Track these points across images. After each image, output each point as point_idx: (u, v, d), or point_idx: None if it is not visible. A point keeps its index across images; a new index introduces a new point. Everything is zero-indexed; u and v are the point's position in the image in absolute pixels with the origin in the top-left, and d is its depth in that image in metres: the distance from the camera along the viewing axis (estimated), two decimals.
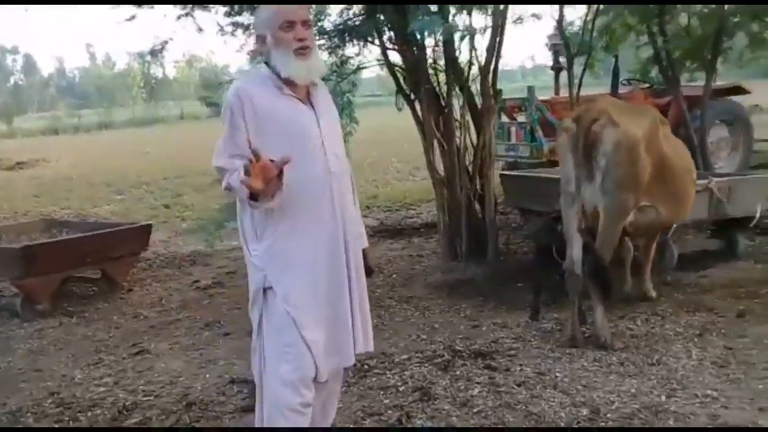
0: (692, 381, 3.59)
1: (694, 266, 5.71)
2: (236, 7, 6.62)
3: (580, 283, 4.16)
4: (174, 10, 6.80)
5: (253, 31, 6.76)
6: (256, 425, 2.74)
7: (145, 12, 6.91)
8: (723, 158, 9.31)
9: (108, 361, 4.46)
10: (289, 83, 2.55)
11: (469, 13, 6.19)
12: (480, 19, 6.36)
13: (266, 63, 2.61)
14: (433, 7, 5.63)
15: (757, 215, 5.82)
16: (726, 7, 7.96)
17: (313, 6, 6.00)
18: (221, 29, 7.07)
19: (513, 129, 8.96)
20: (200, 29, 7.01)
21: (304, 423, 2.58)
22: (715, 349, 3.98)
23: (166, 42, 7.05)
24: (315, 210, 2.56)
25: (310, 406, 2.59)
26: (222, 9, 6.75)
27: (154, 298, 5.88)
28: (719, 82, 9.27)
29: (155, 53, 7.20)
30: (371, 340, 2.76)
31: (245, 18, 6.86)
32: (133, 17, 7.13)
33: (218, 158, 2.53)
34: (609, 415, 3.27)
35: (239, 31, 6.99)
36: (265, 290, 2.55)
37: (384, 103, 9.71)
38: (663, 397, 3.42)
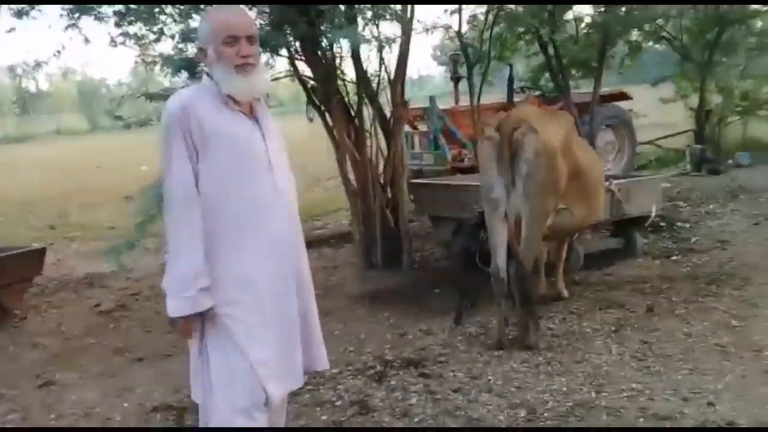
0: (616, 376, 3.73)
1: (598, 265, 5.98)
2: (127, 17, 6.33)
3: (505, 287, 4.23)
4: (60, 20, 6.45)
5: (147, 42, 6.54)
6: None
7: (24, 23, 6.51)
8: (610, 161, 9.84)
9: (10, 395, 4.10)
10: (232, 97, 2.41)
11: (377, 24, 6.21)
12: (388, 29, 6.39)
13: (207, 75, 2.46)
14: (343, 18, 5.59)
15: (653, 214, 6.19)
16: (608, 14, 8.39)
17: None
18: (112, 41, 6.78)
19: (416, 138, 9.09)
20: (87, 40, 6.68)
21: None
22: (632, 343, 4.16)
23: (59, 51, 6.64)
24: (262, 229, 2.43)
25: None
26: (112, 19, 6.45)
27: (52, 326, 5.47)
28: (604, 89, 9.78)
29: (39, 65, 6.77)
30: (325, 358, 2.70)
31: (137, 28, 6.59)
32: (12, 29, 6.69)
33: (181, 209, 2.34)
34: (545, 414, 3.35)
35: (130, 42, 6.73)
36: (207, 312, 2.38)
37: (288, 113, 9.53)
38: (593, 394, 3.54)
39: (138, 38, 6.63)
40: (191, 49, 5.89)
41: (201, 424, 2.55)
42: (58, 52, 6.66)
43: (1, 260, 5.42)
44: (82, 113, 50.95)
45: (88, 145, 30.41)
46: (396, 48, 6.24)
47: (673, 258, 6.06)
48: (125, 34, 6.76)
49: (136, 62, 7.00)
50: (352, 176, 6.41)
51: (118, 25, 6.54)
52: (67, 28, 6.43)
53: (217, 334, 2.38)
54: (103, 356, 4.70)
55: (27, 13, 6.15)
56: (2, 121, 43.09)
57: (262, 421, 2.42)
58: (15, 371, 4.51)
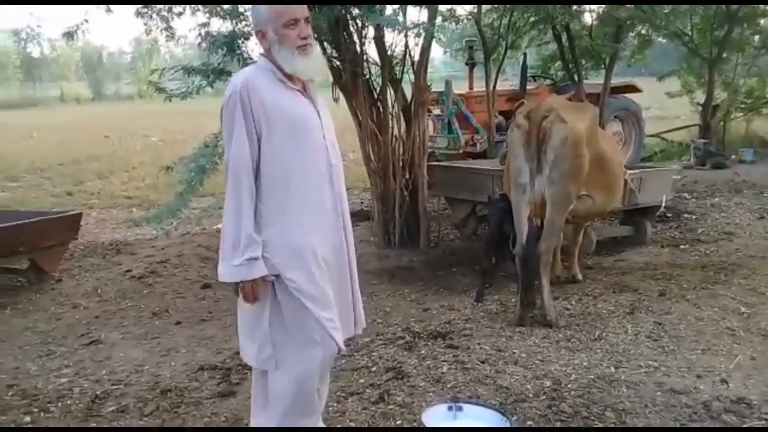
0: (633, 353, 3.98)
1: (610, 251, 6.25)
2: None
3: (528, 267, 4.48)
4: None
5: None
6: (256, 411, 2.77)
7: None
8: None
9: (60, 352, 4.33)
10: (290, 77, 2.58)
11: (404, 13, 6.38)
12: (414, 14, 6.55)
13: (263, 56, 2.62)
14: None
15: (663, 204, 6.45)
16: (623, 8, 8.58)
17: None
18: (138, 12, 6.94)
19: (430, 121, 9.28)
20: (109, 9, 6.84)
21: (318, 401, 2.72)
22: (647, 324, 4.42)
23: (86, 20, 6.79)
24: (319, 201, 2.61)
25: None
26: None
27: (88, 288, 5.70)
28: (614, 81, 9.98)
29: (70, 35, 6.90)
30: (363, 317, 2.90)
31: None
32: None
33: (237, 181, 2.49)
34: (569, 386, 3.58)
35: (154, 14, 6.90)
36: (271, 278, 2.55)
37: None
38: (612, 369, 3.79)
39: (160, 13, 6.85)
40: (216, 26, 6.09)
41: (257, 387, 2.73)
42: (86, 21, 6.84)
43: (42, 223, 5.62)
44: (85, 80, 50.78)
45: (92, 112, 30.42)
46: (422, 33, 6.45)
47: (682, 247, 6.33)
48: (149, 6, 6.98)
49: (164, 34, 7.18)
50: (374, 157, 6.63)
51: None
52: None
53: (287, 298, 2.56)
54: (142, 318, 4.94)
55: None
56: (7, 85, 42.80)
57: (313, 372, 2.63)
58: (60, 330, 4.74)
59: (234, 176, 2.49)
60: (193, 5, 6.86)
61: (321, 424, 2.87)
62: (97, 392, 3.68)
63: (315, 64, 2.63)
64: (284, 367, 2.61)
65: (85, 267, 6.36)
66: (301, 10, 2.57)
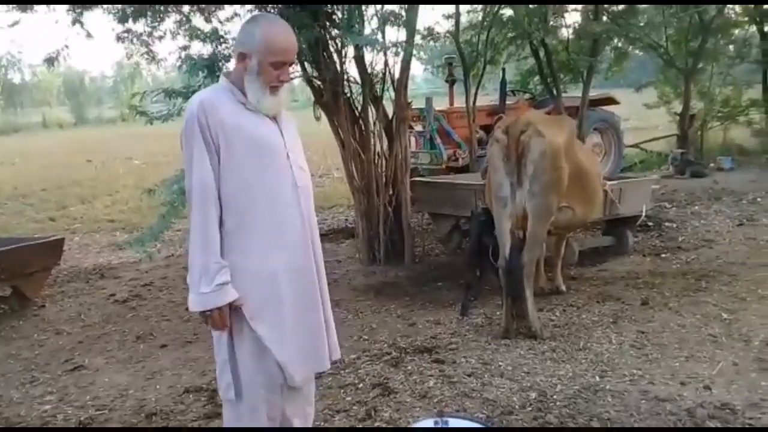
0: (618, 363, 4.02)
1: (592, 261, 6.30)
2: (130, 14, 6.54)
3: (513, 279, 4.51)
4: (67, 15, 6.63)
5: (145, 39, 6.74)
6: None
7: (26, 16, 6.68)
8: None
9: (44, 379, 4.29)
10: None
11: (382, 30, 6.44)
12: (393, 34, 6.64)
13: (224, 75, 2.59)
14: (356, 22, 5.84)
15: (644, 214, 6.52)
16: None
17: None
18: (118, 37, 6.98)
19: (412, 138, 9.34)
20: (89, 35, 6.87)
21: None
22: (630, 333, 4.46)
23: (66, 46, 6.82)
24: (283, 224, 2.55)
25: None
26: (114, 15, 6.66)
27: (71, 314, 5.66)
28: (591, 94, 10.11)
29: (51, 61, 6.92)
30: (338, 347, 2.78)
31: (140, 26, 6.82)
32: (16, 23, 6.90)
33: (202, 207, 2.42)
34: (555, 397, 3.61)
35: (134, 38, 6.95)
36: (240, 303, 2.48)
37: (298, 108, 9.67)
38: (597, 378, 3.82)
39: (137, 35, 6.91)
40: (196, 49, 6.13)
41: (228, 417, 2.63)
42: (66, 47, 6.88)
43: (24, 250, 5.59)
44: (66, 105, 50.61)
45: (75, 137, 30.28)
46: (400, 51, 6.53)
47: (663, 255, 6.39)
48: (129, 31, 7.02)
49: (144, 57, 7.23)
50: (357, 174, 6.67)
51: (121, 21, 6.78)
52: (74, 23, 6.68)
53: (240, 324, 2.49)
54: (127, 343, 4.90)
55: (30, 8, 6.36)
56: None
57: (274, 401, 2.57)
58: (44, 356, 4.70)
59: (199, 203, 2.42)
60: (173, 30, 6.93)
61: None
62: (81, 418, 3.65)
63: (279, 103, 2.56)
64: (241, 398, 2.53)
65: (69, 292, 6.32)
66: (291, 54, 2.54)
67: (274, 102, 2.53)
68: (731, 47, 13.00)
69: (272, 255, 2.50)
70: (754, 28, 12.93)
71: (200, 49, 5.94)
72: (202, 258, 2.40)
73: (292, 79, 6.27)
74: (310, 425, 2.89)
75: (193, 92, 5.43)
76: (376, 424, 3.36)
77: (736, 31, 12.88)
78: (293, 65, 2.59)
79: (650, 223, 7.35)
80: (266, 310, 2.49)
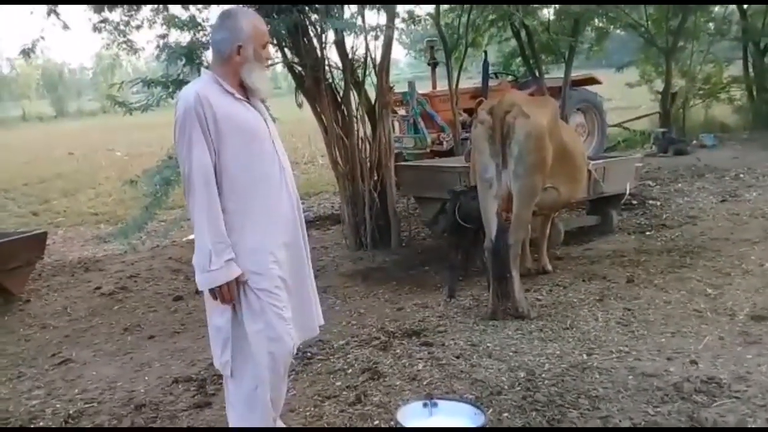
0: (604, 340, 4.04)
1: (578, 240, 6.33)
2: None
3: (499, 260, 4.52)
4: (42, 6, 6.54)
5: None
6: (231, 407, 2.79)
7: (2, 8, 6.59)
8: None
9: (31, 373, 4.26)
10: (238, 89, 2.68)
11: (362, 15, 6.40)
12: (373, 17, 6.60)
13: (207, 69, 2.78)
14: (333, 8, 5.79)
15: (627, 192, 6.55)
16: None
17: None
18: (94, 27, 6.90)
19: (396, 122, 9.31)
20: (66, 26, 6.78)
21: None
22: (616, 311, 4.49)
23: (42, 38, 6.75)
24: (276, 205, 2.71)
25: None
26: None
27: (57, 308, 5.61)
28: (574, 74, 10.12)
29: (27, 52, 6.83)
30: (321, 314, 2.98)
31: (116, 15, 6.75)
32: None
33: (204, 189, 2.55)
34: (543, 375, 3.62)
35: (111, 28, 6.88)
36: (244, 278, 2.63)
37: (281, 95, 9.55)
38: (584, 356, 3.84)
39: (114, 25, 6.83)
40: (175, 37, 6.07)
41: (230, 389, 2.77)
42: (42, 38, 6.80)
43: (7, 244, 5.53)
44: (46, 98, 50.10)
45: (56, 130, 29.97)
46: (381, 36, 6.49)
47: (647, 233, 6.44)
48: (106, 21, 6.94)
49: (122, 47, 7.15)
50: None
51: (97, 10, 6.71)
52: (49, 14, 6.59)
53: (246, 300, 2.65)
54: (114, 335, 4.88)
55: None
56: None
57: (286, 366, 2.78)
58: (30, 351, 4.67)
59: (201, 185, 2.55)
60: (150, 19, 6.85)
61: (280, 423, 2.94)
62: (70, 412, 3.63)
63: (270, 84, 2.81)
64: (239, 374, 2.70)
65: (54, 286, 6.27)
66: (268, 34, 2.79)
67: (268, 79, 2.78)
68: (711, 25, 13.03)
69: (268, 233, 2.67)
70: (733, 5, 12.97)
71: (178, 37, 5.88)
72: (210, 237, 2.54)
73: (274, 64, 6.28)
74: (283, 401, 2.99)
75: (173, 81, 5.40)
76: (366, 408, 3.36)
77: (716, 9, 12.90)
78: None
79: (634, 202, 7.40)
80: (270, 283, 2.66)
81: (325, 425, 3.25)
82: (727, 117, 13.37)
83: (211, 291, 2.60)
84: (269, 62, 2.73)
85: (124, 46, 7.05)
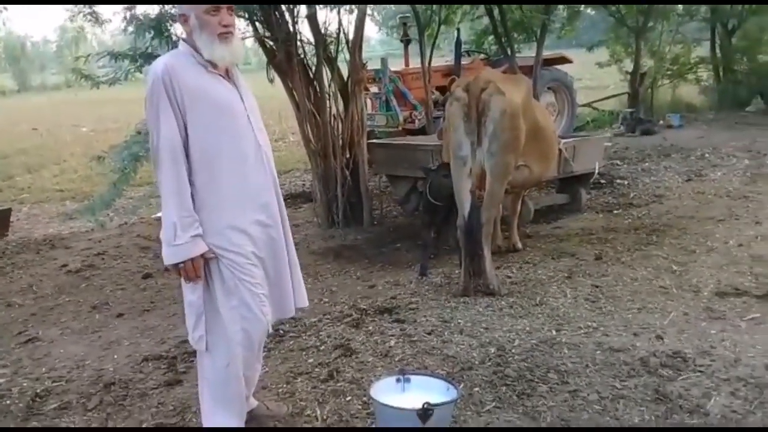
0: (573, 316, 4.10)
1: (547, 219, 6.40)
2: None
3: (471, 238, 4.54)
4: None
5: None
6: (205, 382, 2.79)
7: None
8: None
9: None
10: (211, 62, 2.62)
11: None
12: None
13: (184, 41, 2.67)
14: None
15: (596, 171, 6.63)
16: None
17: None
18: None
19: (368, 100, 9.26)
20: None
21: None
22: (585, 287, 4.55)
23: (3, 9, 6.56)
24: (250, 181, 2.67)
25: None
26: None
27: (22, 285, 5.51)
28: (545, 53, 10.15)
29: None
30: (305, 295, 2.97)
31: None
32: None
33: (171, 162, 2.51)
34: (513, 351, 3.67)
35: None
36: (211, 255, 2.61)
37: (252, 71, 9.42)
38: (553, 332, 3.90)
39: None
40: (142, 9, 5.92)
41: (204, 363, 2.76)
42: (5, 8, 6.60)
43: None
44: (8, 72, 48.85)
45: (18, 104, 29.27)
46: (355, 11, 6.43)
47: (615, 212, 6.53)
48: None
49: (88, 19, 6.96)
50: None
51: None
52: None
53: (220, 277, 2.64)
54: (81, 313, 4.81)
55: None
56: None
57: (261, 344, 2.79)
58: None
59: (169, 159, 2.51)
60: None
61: (252, 402, 2.96)
62: (38, 390, 3.57)
63: (233, 51, 2.65)
64: (213, 349, 2.70)
65: (18, 264, 6.15)
66: None
67: (228, 51, 2.62)
68: (680, 5, 13.16)
69: (240, 210, 2.63)
70: None
71: (146, 9, 5.75)
72: (176, 212, 2.51)
73: (244, 38, 6.17)
74: (257, 379, 3.02)
75: (141, 55, 5.30)
76: (339, 385, 3.37)
77: None
78: (232, 11, 2.63)
79: (603, 181, 7.49)
80: (244, 260, 2.63)
81: (298, 401, 3.25)
82: (693, 97, 13.56)
83: (176, 267, 2.56)
84: (227, 29, 2.56)
85: (89, 17, 6.86)
